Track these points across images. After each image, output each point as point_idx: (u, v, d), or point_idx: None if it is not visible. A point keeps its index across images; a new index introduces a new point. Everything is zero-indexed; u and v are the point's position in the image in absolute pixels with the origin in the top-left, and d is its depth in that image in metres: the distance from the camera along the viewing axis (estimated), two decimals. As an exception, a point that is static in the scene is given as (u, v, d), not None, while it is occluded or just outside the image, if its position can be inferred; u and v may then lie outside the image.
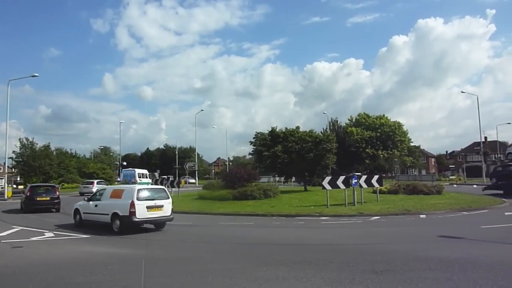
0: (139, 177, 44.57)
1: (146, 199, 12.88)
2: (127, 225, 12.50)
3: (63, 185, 47.63)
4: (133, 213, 12.29)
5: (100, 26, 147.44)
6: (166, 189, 14.83)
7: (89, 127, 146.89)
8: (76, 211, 15.01)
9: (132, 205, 12.33)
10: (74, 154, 71.69)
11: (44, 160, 48.90)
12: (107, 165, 69.94)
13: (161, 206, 13.16)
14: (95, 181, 40.01)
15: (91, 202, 14.44)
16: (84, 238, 11.97)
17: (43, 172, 48.32)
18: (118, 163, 71.68)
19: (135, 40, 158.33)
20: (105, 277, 6.85)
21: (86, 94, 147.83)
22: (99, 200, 14.14)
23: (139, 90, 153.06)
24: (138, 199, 12.57)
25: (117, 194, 13.45)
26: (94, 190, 37.34)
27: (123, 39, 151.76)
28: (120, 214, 12.56)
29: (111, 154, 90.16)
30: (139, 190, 13.07)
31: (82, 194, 34.88)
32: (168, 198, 13.67)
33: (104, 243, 11.20)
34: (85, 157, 79.09)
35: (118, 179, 52.52)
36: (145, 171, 49.42)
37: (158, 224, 13.42)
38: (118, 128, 67.73)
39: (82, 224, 14.47)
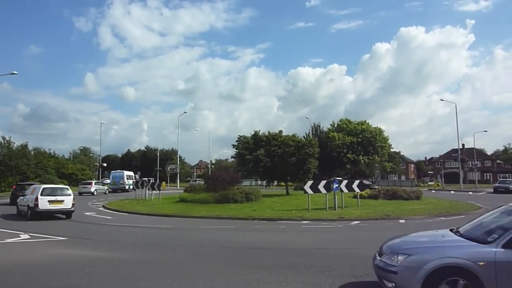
0: (127, 178, 47.08)
1: (49, 195, 17.33)
2: (33, 213, 16.97)
3: (40, 186, 46.44)
4: (36, 205, 16.86)
5: (82, 24, 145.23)
6: (69, 188, 19.22)
7: (69, 127, 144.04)
8: (16, 203, 19.76)
9: (36, 199, 16.94)
10: (52, 154, 70.08)
11: (21, 160, 47.57)
12: (86, 166, 68.70)
13: (62, 201, 17.48)
14: (93, 182, 42.92)
15: (21, 197, 19.09)
16: (60, 240, 11.70)
17: (20, 172, 47.03)
18: (98, 164, 70.47)
19: (118, 40, 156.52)
20: (82, 281, 6.71)
21: (67, 93, 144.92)
22: (25, 195, 18.67)
23: (121, 90, 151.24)
24: (41, 195, 17.07)
25: (32, 191, 17.92)
26: (93, 190, 39.90)
27: (106, 38, 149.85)
28: (30, 205, 17.25)
29: (91, 155, 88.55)
30: (44, 188, 17.82)
31: (80, 194, 37.14)
32: (70, 195, 17.90)
33: (80, 245, 10.97)
34: (64, 158, 77.48)
35: (107, 181, 52.16)
36: (131, 173, 51.53)
37: (64, 213, 17.73)
38: (99, 129, 66.65)
39: (20, 213, 18.88)
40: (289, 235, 13.53)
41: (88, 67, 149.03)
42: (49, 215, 17.18)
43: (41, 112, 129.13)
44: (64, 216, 17.78)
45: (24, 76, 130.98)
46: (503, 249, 4.94)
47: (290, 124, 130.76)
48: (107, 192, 42.52)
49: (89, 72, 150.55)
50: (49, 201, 17.12)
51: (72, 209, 17.65)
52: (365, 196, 26.10)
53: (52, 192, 17.67)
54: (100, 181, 48.65)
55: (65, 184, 43.63)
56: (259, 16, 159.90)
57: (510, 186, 39.33)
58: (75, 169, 61.70)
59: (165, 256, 9.30)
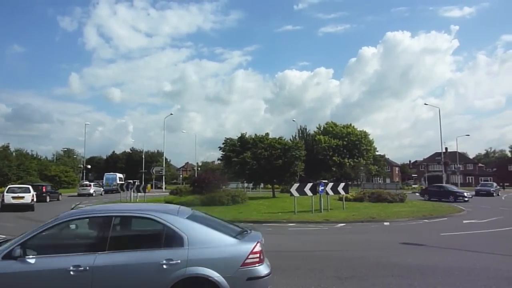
0: (119, 180, 49.57)
1: (12, 192, 23.07)
2: (2, 206, 22.28)
3: (22, 188, 45.57)
4: (3, 200, 22.57)
5: (67, 24, 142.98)
6: (30, 187, 24.10)
7: (52, 128, 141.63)
8: None
9: (3, 196, 22.83)
10: (35, 156, 68.89)
11: (2, 162, 46.75)
12: (70, 168, 67.65)
13: (23, 197, 22.68)
14: (92, 184, 45.78)
15: None
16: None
17: (1, 174, 46.11)
18: (82, 166, 69.44)
19: (104, 40, 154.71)
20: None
21: (50, 94, 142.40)
22: None
23: (107, 91, 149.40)
24: (7, 192, 23.00)
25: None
26: (92, 191, 42.12)
27: (91, 38, 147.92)
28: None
29: (74, 156, 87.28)
30: (9, 187, 24.14)
31: (80, 195, 39.70)
32: (30, 192, 23.08)
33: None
34: (47, 159, 76.17)
35: (102, 182, 53.67)
36: (122, 175, 55.20)
37: (25, 207, 22.32)
38: (83, 130, 65.50)
39: None
40: (275, 237, 13.53)
41: (72, 67, 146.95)
42: (13, 208, 21.89)
43: (23, 112, 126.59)
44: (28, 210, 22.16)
45: (6, 76, 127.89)
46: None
47: (277, 127, 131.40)
48: (103, 193, 44.50)
49: (73, 72, 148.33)
50: (12, 197, 22.55)
51: (31, 203, 22.70)
52: (351, 198, 26.33)
53: (15, 190, 23.39)
54: (97, 182, 51.04)
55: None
56: (246, 18, 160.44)
57: (491, 189, 40.29)
58: (58, 171, 60.67)
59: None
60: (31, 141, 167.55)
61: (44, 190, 30.59)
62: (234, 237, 4.89)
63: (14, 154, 57.30)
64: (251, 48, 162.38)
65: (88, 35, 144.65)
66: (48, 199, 30.23)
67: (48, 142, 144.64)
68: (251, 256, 4.63)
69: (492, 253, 9.39)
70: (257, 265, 4.64)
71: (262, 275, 4.64)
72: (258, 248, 4.72)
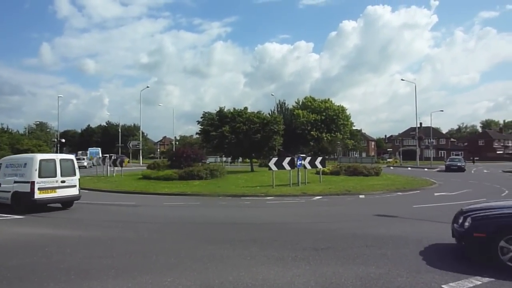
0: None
1: None
2: None
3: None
4: None
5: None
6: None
7: (23, 101, 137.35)
8: None
9: None
10: (6, 129, 66.61)
11: (-30, 135, 44.96)
12: (43, 142, 65.84)
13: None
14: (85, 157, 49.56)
15: None
16: (16, 219, 11.27)
17: (-30, 148, 44.49)
18: (56, 140, 67.72)
19: (76, 8, 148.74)
20: (41, 259, 6.52)
21: (20, 65, 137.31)
22: None
23: (81, 62, 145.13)
24: None
25: None
26: (86, 163, 44.14)
27: (63, 6, 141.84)
28: None
29: (48, 130, 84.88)
30: None
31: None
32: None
33: (38, 224, 10.64)
34: (19, 133, 73.80)
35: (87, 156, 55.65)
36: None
37: None
38: (56, 103, 63.38)
39: None
40: (254, 210, 13.73)
41: (43, 36, 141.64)
42: None
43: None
44: None
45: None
46: None
47: (256, 101, 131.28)
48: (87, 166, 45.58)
49: (44, 42, 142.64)
50: None
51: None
52: (327, 172, 26.81)
53: None
54: (82, 156, 53.34)
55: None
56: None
57: (461, 164, 39.00)
58: (31, 145, 58.86)
59: (128, 233, 9.20)
60: (2, 114, 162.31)
61: None
62: None
63: (-17, 127, 55.19)
64: (231, 20, 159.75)
65: (59, 2, 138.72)
66: None
67: (20, 115, 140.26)
68: None
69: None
70: None
71: None
72: None
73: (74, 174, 13.32)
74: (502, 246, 5.67)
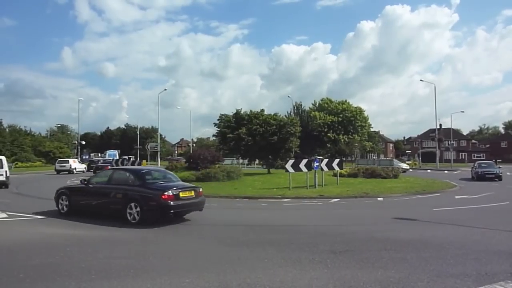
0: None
1: None
2: None
3: (16, 164, 45.49)
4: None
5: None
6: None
7: (45, 104, 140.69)
8: None
9: None
10: (29, 132, 68.39)
11: (-5, 138, 46.32)
12: (64, 144, 67.39)
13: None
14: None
15: None
16: (38, 219, 11.53)
17: (-6, 150, 45.83)
18: (76, 142, 69.13)
19: (96, 13, 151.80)
20: (63, 259, 6.65)
21: (42, 69, 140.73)
22: None
23: (100, 66, 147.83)
24: None
25: None
26: (73, 168, 41.62)
27: (83, 11, 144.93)
28: None
29: (68, 132, 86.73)
30: None
31: (58, 172, 38.97)
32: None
33: (59, 224, 10.84)
34: (41, 135, 75.69)
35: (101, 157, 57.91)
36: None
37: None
38: (77, 106, 64.91)
39: None
40: (271, 212, 13.71)
41: (64, 41, 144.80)
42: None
43: (15, 88, 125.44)
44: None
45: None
46: None
47: (273, 103, 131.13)
48: (85, 170, 43.39)
49: (66, 46, 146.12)
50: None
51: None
52: (345, 174, 26.55)
53: None
54: (101, 157, 55.54)
55: (43, 163, 45.03)
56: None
57: (496, 171, 29.26)
58: (53, 147, 60.46)
59: (147, 234, 9.30)
60: (24, 117, 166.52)
61: None
62: None
63: (7, 130, 56.72)
64: (248, 22, 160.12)
65: (80, 7, 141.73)
66: None
67: (42, 118, 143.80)
68: None
69: (483, 227, 9.55)
70: None
71: None
72: None
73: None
74: None
